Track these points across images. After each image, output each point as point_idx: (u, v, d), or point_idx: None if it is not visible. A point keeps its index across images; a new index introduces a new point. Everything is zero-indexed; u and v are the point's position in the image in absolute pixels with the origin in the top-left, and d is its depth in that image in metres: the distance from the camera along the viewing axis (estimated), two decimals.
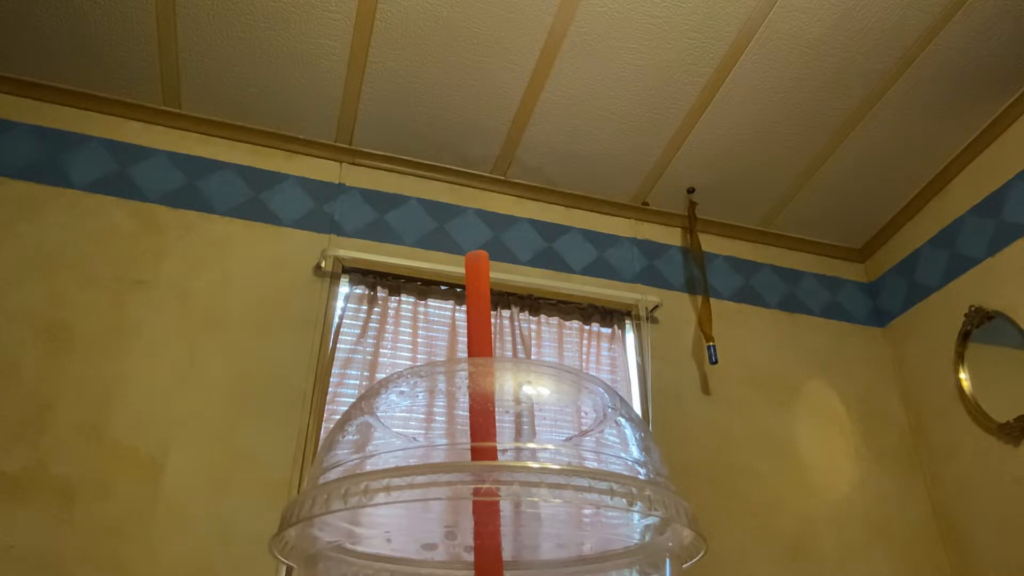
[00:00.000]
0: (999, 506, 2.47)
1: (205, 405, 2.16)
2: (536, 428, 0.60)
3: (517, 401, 0.59)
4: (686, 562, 0.57)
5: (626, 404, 0.63)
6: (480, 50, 2.41)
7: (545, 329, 2.63)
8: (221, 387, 2.20)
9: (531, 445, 0.56)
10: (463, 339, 2.49)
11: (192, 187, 2.50)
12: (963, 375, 2.66)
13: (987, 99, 2.62)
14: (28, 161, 2.36)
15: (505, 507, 0.57)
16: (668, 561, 0.61)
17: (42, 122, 2.43)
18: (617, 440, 0.61)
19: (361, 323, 2.42)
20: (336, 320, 2.41)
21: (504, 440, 0.54)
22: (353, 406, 0.62)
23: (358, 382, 2.31)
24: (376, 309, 2.45)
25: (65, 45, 2.35)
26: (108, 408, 2.08)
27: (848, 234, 3.23)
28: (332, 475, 0.54)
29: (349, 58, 2.42)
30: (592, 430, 0.60)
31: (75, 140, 2.44)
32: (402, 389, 0.64)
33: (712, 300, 2.88)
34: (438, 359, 2.41)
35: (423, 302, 2.54)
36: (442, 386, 0.66)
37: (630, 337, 2.75)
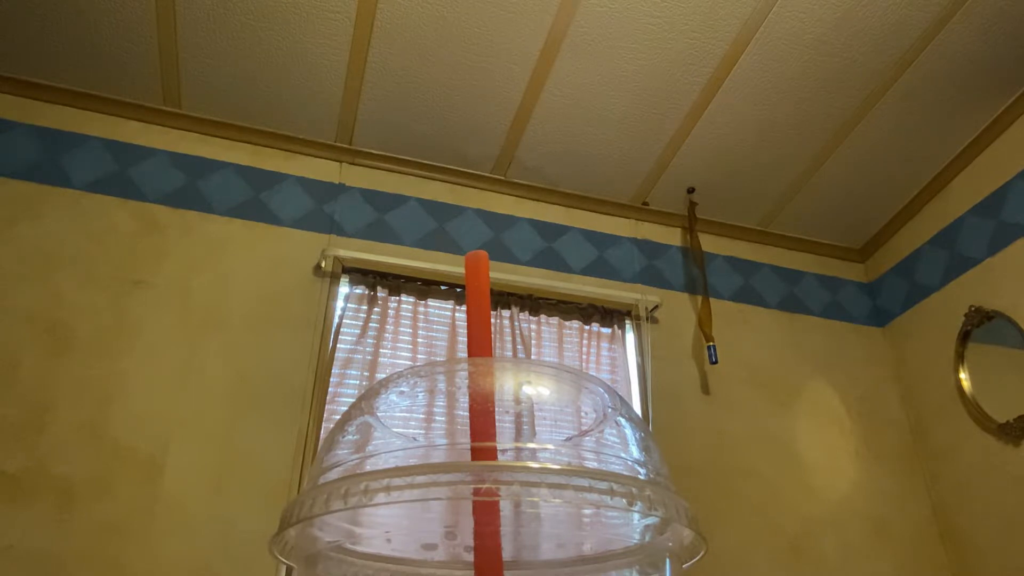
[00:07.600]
0: (999, 506, 2.47)
1: (205, 405, 2.16)
2: (536, 428, 0.60)
3: (517, 401, 0.59)
4: (686, 562, 0.57)
5: (626, 404, 0.63)
6: (480, 50, 2.41)
7: (545, 329, 2.63)
8: (221, 387, 2.20)
9: (531, 445, 0.56)
10: (463, 339, 2.49)
11: (192, 187, 2.50)
12: (963, 375, 2.66)
13: (987, 99, 2.62)
14: (28, 161, 2.36)
15: (505, 507, 0.57)
16: (668, 561, 0.61)
17: (42, 122, 2.43)
18: (617, 440, 0.61)
19: (361, 323, 2.42)
20: (336, 320, 2.41)
21: (504, 440, 0.54)
22: (353, 406, 0.62)
23: (358, 382, 2.31)
24: (376, 309, 2.45)
25: (65, 45, 2.35)
26: (108, 408, 2.07)
27: (848, 234, 3.23)
28: (332, 475, 0.54)
29: (349, 58, 2.42)
30: (592, 430, 0.60)
31: (75, 140, 2.44)
32: (402, 389, 0.64)
33: (712, 300, 2.88)
34: (438, 359, 2.41)
35: (423, 302, 2.54)
36: (442, 386, 0.66)
37: (630, 337, 2.75)
